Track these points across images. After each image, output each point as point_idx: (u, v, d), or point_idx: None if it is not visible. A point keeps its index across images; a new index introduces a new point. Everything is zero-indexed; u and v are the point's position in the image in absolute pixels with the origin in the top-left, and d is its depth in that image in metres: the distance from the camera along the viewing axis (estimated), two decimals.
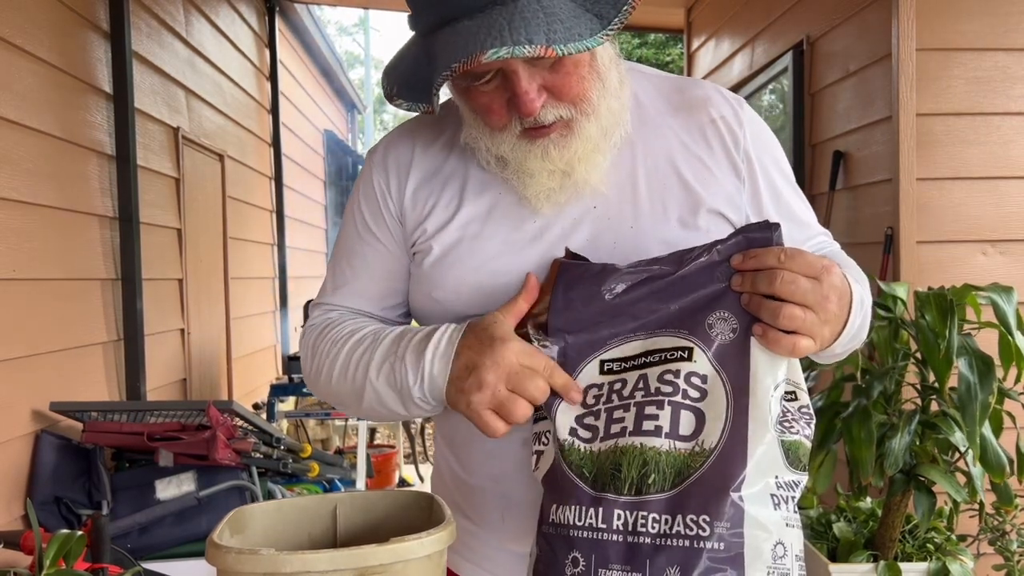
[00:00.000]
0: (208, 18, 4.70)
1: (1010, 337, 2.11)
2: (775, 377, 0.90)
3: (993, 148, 2.81)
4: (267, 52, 6.21)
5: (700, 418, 0.89)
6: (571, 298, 0.97)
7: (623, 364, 0.94)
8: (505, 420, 0.94)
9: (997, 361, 2.14)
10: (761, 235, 0.93)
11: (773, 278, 0.88)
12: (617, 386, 0.93)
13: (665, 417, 0.89)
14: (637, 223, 1.07)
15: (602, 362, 0.95)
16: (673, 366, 0.91)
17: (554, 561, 0.89)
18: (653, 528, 0.85)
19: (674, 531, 0.85)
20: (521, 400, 0.93)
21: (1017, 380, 2.16)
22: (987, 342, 2.20)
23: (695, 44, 5.31)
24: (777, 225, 0.95)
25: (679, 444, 0.88)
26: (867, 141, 3.05)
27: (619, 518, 0.87)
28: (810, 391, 2.85)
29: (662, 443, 0.89)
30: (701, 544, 0.83)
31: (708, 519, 0.84)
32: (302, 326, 5.24)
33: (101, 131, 3.15)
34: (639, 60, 13.72)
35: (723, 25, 4.75)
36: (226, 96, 5.01)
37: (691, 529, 0.84)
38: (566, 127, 1.01)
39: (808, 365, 2.77)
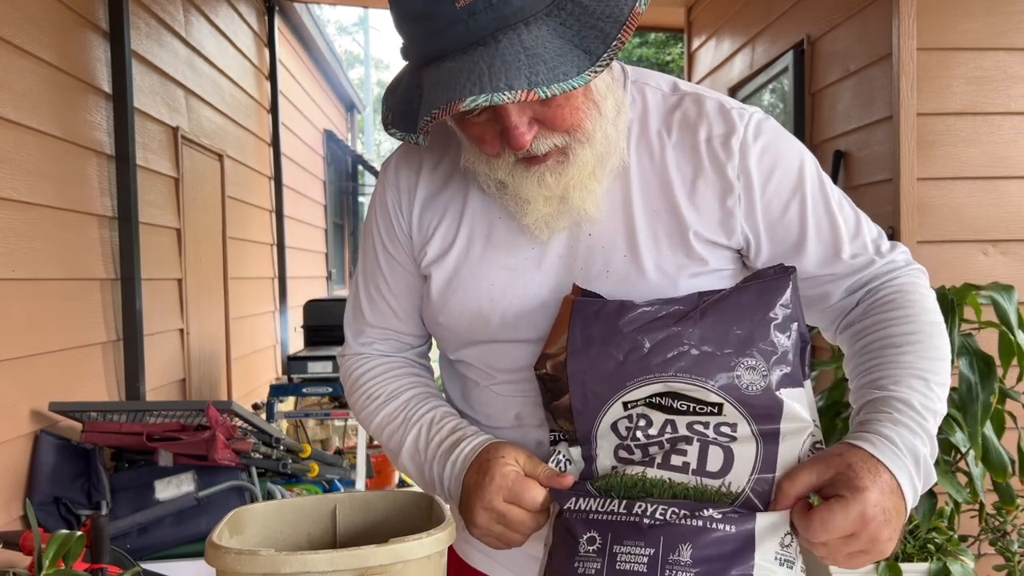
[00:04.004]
0: (207, 18, 4.70)
1: (1011, 336, 2.11)
2: (804, 429, 0.91)
3: (993, 148, 2.81)
4: (266, 52, 6.20)
5: (729, 456, 0.91)
6: (589, 337, 0.95)
7: (647, 400, 0.94)
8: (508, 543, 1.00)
9: (997, 361, 2.14)
10: (774, 280, 0.94)
11: (814, 548, 0.88)
12: (642, 423, 0.94)
13: (693, 454, 0.92)
14: (630, 251, 1.06)
15: (624, 403, 0.95)
16: (702, 418, 0.92)
17: (570, 541, 0.91)
18: (672, 515, 0.88)
19: (691, 514, 0.88)
20: (513, 534, 0.99)
21: (1019, 379, 2.15)
22: (988, 342, 2.19)
23: (695, 44, 5.30)
24: (793, 269, 0.96)
25: (706, 480, 0.91)
26: (867, 141, 3.05)
27: (640, 506, 0.90)
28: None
29: (689, 479, 0.91)
30: (714, 525, 0.86)
31: (725, 509, 0.88)
32: (302, 326, 5.19)
33: (100, 131, 3.14)
34: (639, 60, 13.69)
35: (723, 24, 4.75)
36: (225, 96, 5.00)
37: (705, 511, 0.87)
38: (562, 154, 1.00)
39: (809, 365, 2.76)
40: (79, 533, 1.62)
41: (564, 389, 0.96)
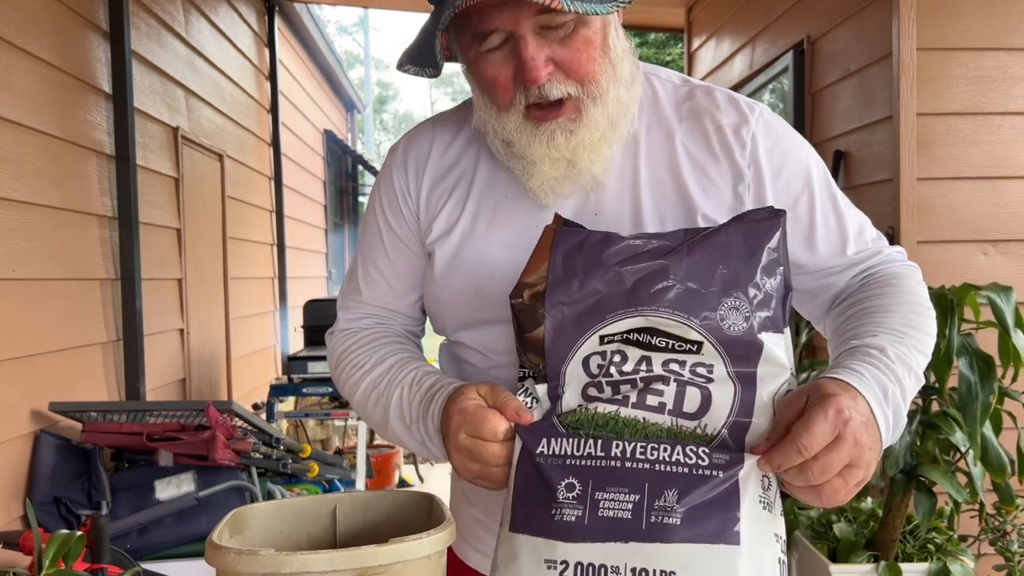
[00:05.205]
0: (207, 18, 4.70)
1: (1008, 336, 2.11)
2: (781, 375, 0.90)
3: (993, 148, 2.81)
4: (267, 52, 6.20)
5: (707, 397, 0.89)
6: (571, 267, 0.93)
7: (624, 336, 0.92)
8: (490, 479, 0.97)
9: (997, 360, 2.14)
10: (764, 222, 0.92)
11: (807, 476, 0.84)
12: (617, 359, 0.91)
13: (670, 394, 0.89)
14: (635, 231, 1.06)
15: (602, 337, 0.92)
16: (679, 356, 0.90)
17: (544, 488, 0.88)
18: (652, 455, 0.86)
19: (673, 459, 0.86)
20: (491, 468, 0.95)
21: (1014, 379, 2.15)
22: (988, 342, 2.19)
23: (695, 44, 5.30)
24: (783, 212, 0.94)
25: (682, 421, 0.89)
26: (867, 141, 3.05)
27: (618, 447, 0.87)
28: None
29: (664, 419, 0.89)
30: (700, 472, 0.84)
31: (707, 451, 0.86)
32: (302, 326, 5.19)
33: (101, 131, 3.14)
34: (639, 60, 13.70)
35: (723, 25, 4.75)
36: (225, 96, 5.00)
37: (690, 458, 0.85)
38: (574, 110, 1.01)
39: (809, 366, 2.77)
40: (79, 533, 1.62)
41: (539, 321, 0.93)
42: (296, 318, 6.41)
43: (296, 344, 6.20)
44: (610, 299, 0.91)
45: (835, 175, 3.26)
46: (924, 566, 2.22)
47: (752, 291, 0.89)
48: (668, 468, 0.85)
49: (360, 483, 3.76)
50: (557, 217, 1.01)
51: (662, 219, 1.07)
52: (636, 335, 0.91)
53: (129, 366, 3.27)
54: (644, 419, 0.89)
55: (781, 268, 0.92)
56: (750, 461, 0.85)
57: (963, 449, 2.16)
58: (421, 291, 1.21)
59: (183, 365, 4.07)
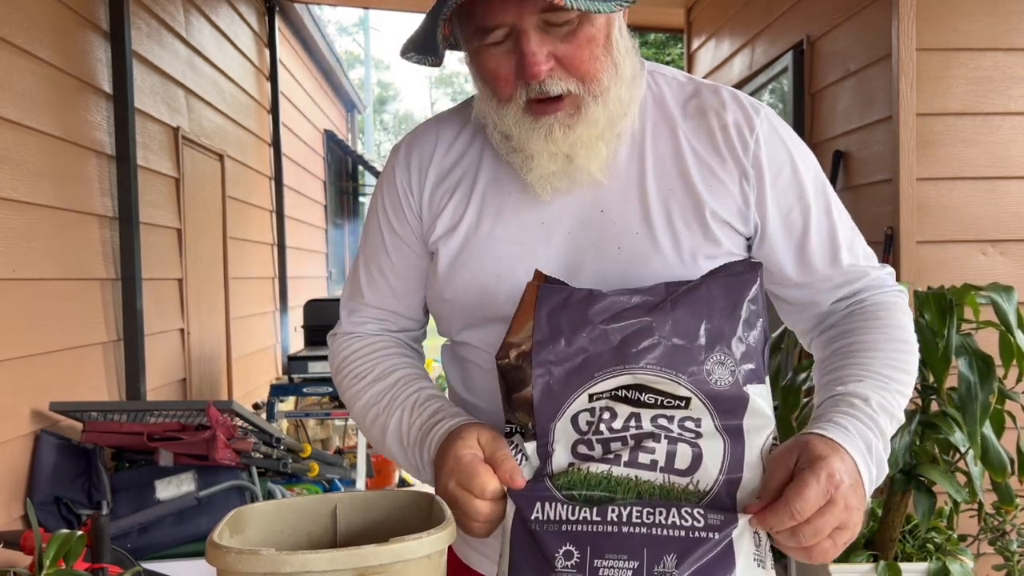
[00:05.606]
0: (208, 18, 4.70)
1: (1010, 336, 2.11)
2: (767, 426, 0.91)
3: (993, 148, 2.81)
4: (267, 52, 6.21)
5: (698, 455, 0.90)
6: (557, 325, 0.92)
7: (613, 393, 0.92)
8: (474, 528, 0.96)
9: (997, 361, 2.14)
10: (743, 275, 0.93)
11: (798, 538, 0.86)
12: (606, 416, 0.92)
13: (661, 452, 0.90)
14: (644, 228, 1.06)
15: (590, 395, 0.92)
16: (668, 412, 0.91)
17: (540, 557, 0.87)
18: (648, 519, 0.86)
19: (669, 521, 0.86)
20: (472, 521, 0.94)
21: (1018, 380, 2.15)
22: (988, 342, 2.19)
23: (695, 44, 5.31)
24: (760, 264, 0.96)
25: (674, 478, 0.89)
26: (867, 141, 3.05)
27: (614, 512, 0.87)
28: (810, 392, 2.85)
29: (656, 477, 0.90)
30: (696, 534, 0.85)
31: (702, 512, 0.86)
32: (302, 326, 5.18)
33: (101, 131, 3.15)
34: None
35: (723, 25, 4.75)
36: (226, 96, 5.01)
37: (686, 520, 0.86)
38: (574, 106, 1.01)
39: (808, 366, 2.77)
40: (80, 533, 1.63)
41: (526, 380, 0.93)
42: (296, 318, 6.41)
43: (296, 344, 6.20)
44: (597, 358, 0.91)
45: (835, 175, 3.26)
46: (923, 566, 2.22)
47: (736, 345, 0.90)
48: (665, 532, 0.85)
49: (360, 483, 3.77)
50: (538, 273, 1.00)
51: (669, 215, 1.06)
52: (625, 392, 0.92)
53: (129, 366, 3.27)
54: (636, 477, 0.90)
55: (761, 320, 0.93)
56: (743, 520, 0.86)
57: (963, 449, 2.16)
58: (423, 292, 1.21)
59: (183, 365, 4.08)
